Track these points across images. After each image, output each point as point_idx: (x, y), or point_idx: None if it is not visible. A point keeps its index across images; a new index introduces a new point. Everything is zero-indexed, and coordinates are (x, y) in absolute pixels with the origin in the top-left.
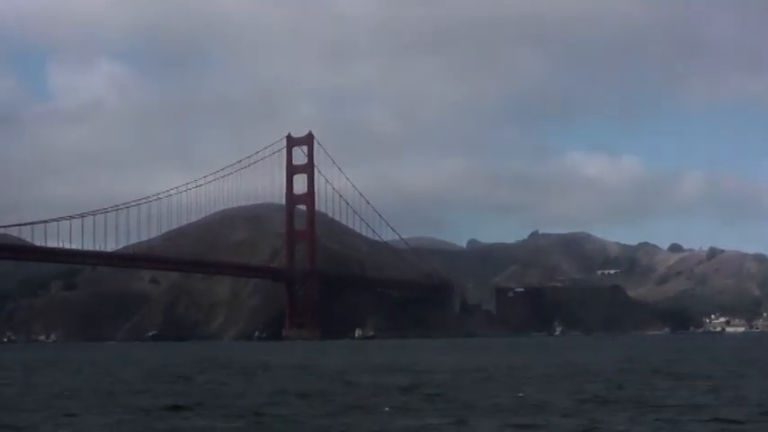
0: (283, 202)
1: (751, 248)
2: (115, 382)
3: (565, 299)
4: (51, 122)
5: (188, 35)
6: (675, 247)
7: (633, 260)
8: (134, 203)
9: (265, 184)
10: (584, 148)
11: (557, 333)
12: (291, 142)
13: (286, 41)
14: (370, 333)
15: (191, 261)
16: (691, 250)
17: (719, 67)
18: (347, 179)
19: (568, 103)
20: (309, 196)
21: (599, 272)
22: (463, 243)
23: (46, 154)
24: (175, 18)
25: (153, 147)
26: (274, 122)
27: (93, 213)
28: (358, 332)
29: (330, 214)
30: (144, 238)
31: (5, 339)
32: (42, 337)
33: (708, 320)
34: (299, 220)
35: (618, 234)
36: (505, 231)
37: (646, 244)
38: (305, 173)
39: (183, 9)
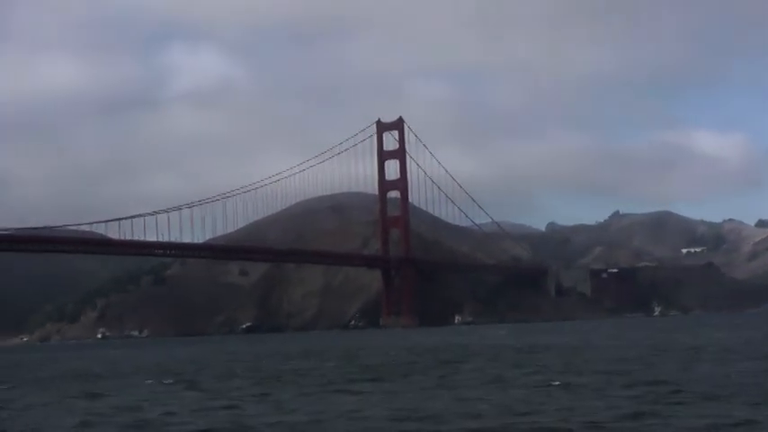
0: (365, 190)
1: None
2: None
3: (659, 279)
4: (171, 110)
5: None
6: (763, 223)
7: (719, 237)
8: (220, 197)
9: (349, 173)
10: (705, 124)
11: (656, 313)
12: (381, 128)
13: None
14: (469, 319)
15: (287, 251)
16: None
17: None
18: (439, 164)
19: (701, 74)
20: (402, 182)
21: (684, 250)
22: (542, 226)
23: (158, 144)
24: None
25: (273, 131)
26: (393, 103)
27: (190, 206)
28: (457, 318)
29: (417, 201)
30: (230, 229)
31: (99, 336)
32: (135, 333)
33: None
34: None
35: (700, 212)
36: (584, 213)
37: (731, 220)
38: (395, 158)
39: None
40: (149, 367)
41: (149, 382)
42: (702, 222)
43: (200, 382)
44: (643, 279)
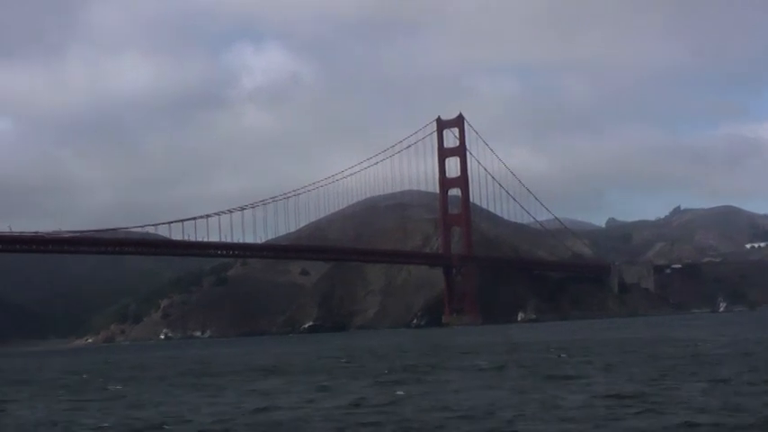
0: (426, 187)
1: None
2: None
3: (723, 274)
4: (239, 109)
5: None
6: None
7: None
8: (282, 197)
9: (410, 171)
10: None
11: (721, 309)
12: (442, 125)
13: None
14: (533, 316)
15: (349, 250)
16: None
17: None
18: (500, 160)
19: None
20: (463, 179)
21: (748, 245)
22: (601, 223)
23: (224, 144)
24: None
25: (339, 129)
26: (460, 100)
27: (253, 206)
28: (521, 315)
29: (478, 199)
30: (291, 229)
31: (162, 336)
32: (198, 333)
33: None
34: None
35: (765, 206)
36: (644, 209)
37: None
38: (455, 156)
39: None
40: (240, 365)
41: (258, 379)
42: (766, 217)
43: (313, 381)
44: (707, 274)
